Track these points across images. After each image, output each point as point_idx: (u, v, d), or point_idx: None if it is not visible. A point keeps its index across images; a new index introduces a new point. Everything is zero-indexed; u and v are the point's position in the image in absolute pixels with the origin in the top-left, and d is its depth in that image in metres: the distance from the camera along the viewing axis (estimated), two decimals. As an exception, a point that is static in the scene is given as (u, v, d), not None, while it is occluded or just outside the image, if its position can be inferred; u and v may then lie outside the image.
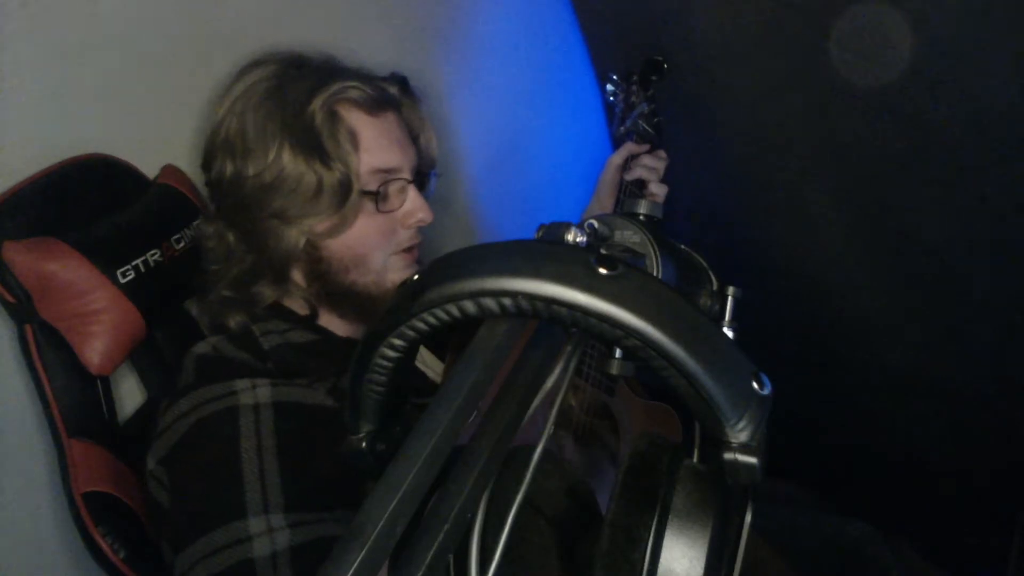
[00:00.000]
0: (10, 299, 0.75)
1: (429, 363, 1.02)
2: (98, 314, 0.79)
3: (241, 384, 0.74)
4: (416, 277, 0.33)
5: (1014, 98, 1.03)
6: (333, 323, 0.90)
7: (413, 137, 0.93)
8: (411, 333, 0.33)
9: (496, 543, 0.34)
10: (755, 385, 0.31)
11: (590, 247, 0.35)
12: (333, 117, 0.82)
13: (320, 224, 0.83)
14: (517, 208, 1.59)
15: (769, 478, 0.35)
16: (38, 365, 0.77)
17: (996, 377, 1.27)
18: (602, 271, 0.29)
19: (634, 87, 1.15)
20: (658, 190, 1.12)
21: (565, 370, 0.38)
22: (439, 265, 0.33)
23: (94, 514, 0.75)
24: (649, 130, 1.13)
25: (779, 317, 1.36)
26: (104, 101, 0.87)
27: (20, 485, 0.78)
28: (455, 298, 0.31)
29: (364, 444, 0.39)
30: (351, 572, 0.27)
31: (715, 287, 0.49)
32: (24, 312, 0.76)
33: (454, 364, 0.84)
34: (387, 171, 0.85)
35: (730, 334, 0.47)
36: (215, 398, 0.73)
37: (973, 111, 1.07)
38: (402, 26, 1.28)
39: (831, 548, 1.07)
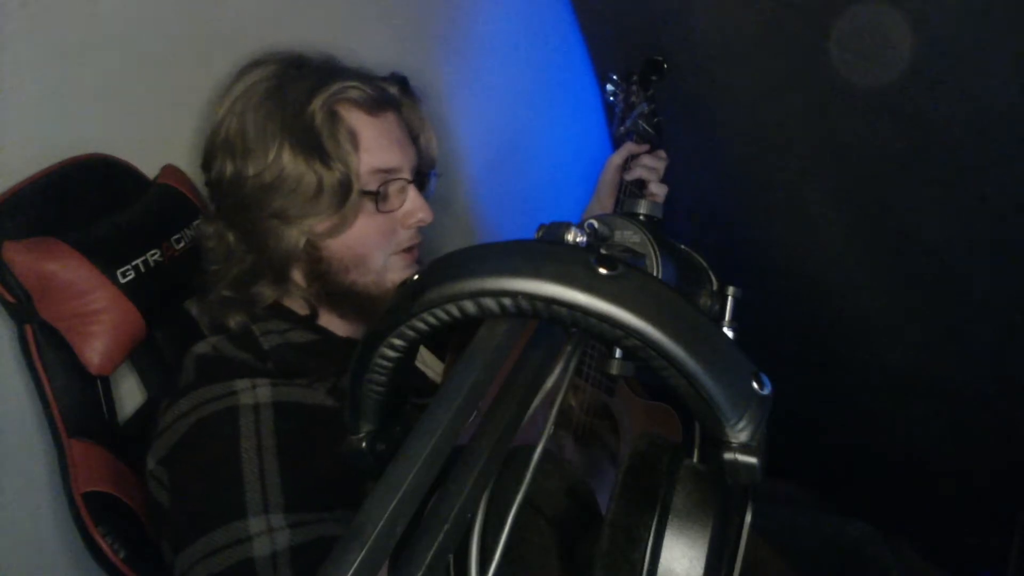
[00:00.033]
0: (10, 299, 0.75)
1: (429, 363, 1.02)
2: (98, 314, 0.79)
3: (241, 384, 0.74)
4: (416, 277, 0.33)
5: (1014, 98, 1.03)
6: (333, 323, 0.90)
7: (413, 137, 0.93)
8: (411, 333, 0.33)
9: (496, 543, 0.34)
10: (755, 385, 0.31)
11: (590, 247, 0.35)
12: (333, 117, 0.82)
13: (320, 224, 0.83)
14: (517, 208, 1.59)
15: (769, 478, 0.35)
16: (38, 365, 0.77)
17: (996, 377, 1.27)
18: (602, 271, 0.29)
19: (634, 87, 1.15)
20: (658, 190, 1.12)
21: (565, 370, 0.38)
22: (439, 265, 0.33)
23: (94, 514, 0.75)
24: (649, 130, 1.13)
25: (779, 317, 1.36)
26: (104, 101, 0.87)
27: (20, 485, 0.78)
28: (455, 298, 0.31)
29: (364, 444, 0.39)
30: (351, 572, 0.27)
31: (715, 287, 0.49)
32: (24, 312, 0.76)
33: (454, 364, 0.84)
34: (387, 171, 0.86)
35: (730, 334, 0.47)
36: (215, 398, 0.73)
37: (973, 111, 1.07)
38: (402, 26, 1.28)
39: (831, 548, 1.07)
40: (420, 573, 0.29)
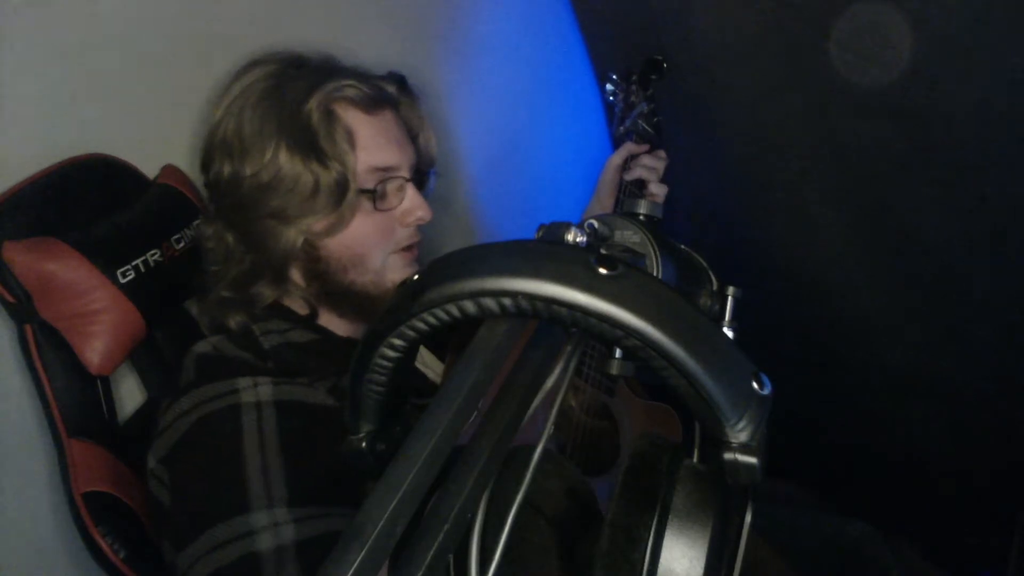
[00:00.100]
0: (10, 299, 0.75)
1: (429, 363, 1.02)
2: (98, 314, 0.79)
3: (243, 382, 0.74)
4: (416, 277, 0.33)
5: (1014, 98, 1.03)
6: (333, 323, 0.90)
7: (412, 136, 0.93)
8: (411, 333, 0.33)
9: (496, 543, 0.34)
10: (755, 385, 0.31)
11: (590, 247, 0.35)
12: (329, 116, 0.82)
13: (318, 223, 0.83)
14: (517, 208, 1.59)
15: (769, 478, 0.35)
16: (38, 365, 0.77)
17: (996, 377, 1.27)
18: (602, 271, 0.29)
19: (634, 87, 1.15)
20: (658, 190, 1.12)
21: (565, 370, 0.38)
22: (439, 265, 0.33)
23: (94, 514, 0.75)
24: (649, 130, 1.13)
25: (779, 317, 1.37)
26: (104, 101, 0.87)
27: (20, 485, 0.78)
28: (455, 298, 0.31)
29: (364, 444, 0.39)
30: (351, 572, 0.27)
31: (715, 287, 0.49)
32: (24, 312, 0.76)
33: (454, 364, 0.84)
34: (385, 169, 0.85)
35: (730, 334, 0.47)
36: (217, 396, 0.73)
37: (973, 111, 1.07)
38: (402, 26, 1.28)
39: (831, 548, 1.07)
40: (420, 573, 0.29)
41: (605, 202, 1.14)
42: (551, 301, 0.29)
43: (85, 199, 0.82)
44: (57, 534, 0.79)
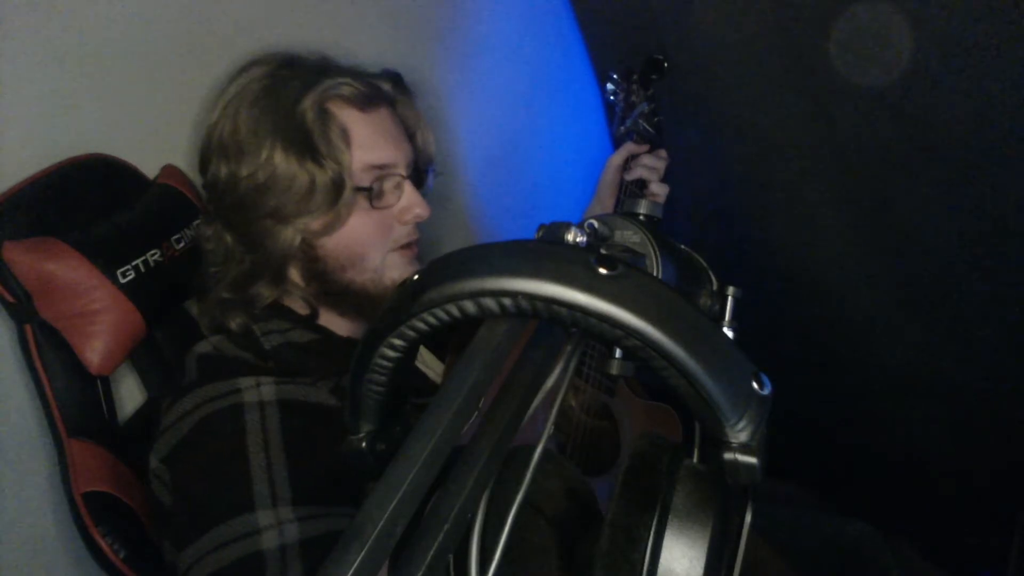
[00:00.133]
0: (10, 299, 0.75)
1: (429, 363, 1.02)
2: (98, 314, 0.79)
3: (245, 382, 0.74)
4: (416, 277, 0.33)
5: (1014, 98, 1.02)
6: (333, 322, 0.90)
7: (409, 133, 0.93)
8: (411, 333, 0.33)
9: (496, 543, 0.34)
10: (755, 385, 0.31)
11: (590, 247, 0.35)
12: (324, 115, 0.82)
13: (315, 222, 0.83)
14: (517, 208, 1.60)
15: (769, 478, 0.35)
16: (38, 365, 0.77)
17: (996, 377, 1.27)
18: (602, 271, 0.29)
19: (634, 86, 1.15)
20: (659, 190, 1.12)
21: (565, 370, 0.38)
22: (439, 265, 0.33)
23: (94, 514, 0.75)
24: (650, 130, 1.13)
25: (779, 317, 1.37)
26: (104, 101, 0.87)
27: (20, 485, 0.78)
28: (455, 298, 0.31)
29: (364, 444, 0.39)
30: (351, 572, 0.27)
31: (715, 287, 0.49)
32: (24, 312, 0.76)
33: (454, 364, 0.84)
34: (381, 167, 0.85)
35: (730, 334, 0.47)
36: (219, 396, 0.73)
37: (974, 111, 1.07)
38: (402, 26, 1.28)
39: (831, 548, 1.07)
40: (420, 573, 0.29)
41: (606, 202, 1.14)
42: (551, 301, 0.29)
43: (85, 199, 0.82)
44: (57, 534, 0.79)
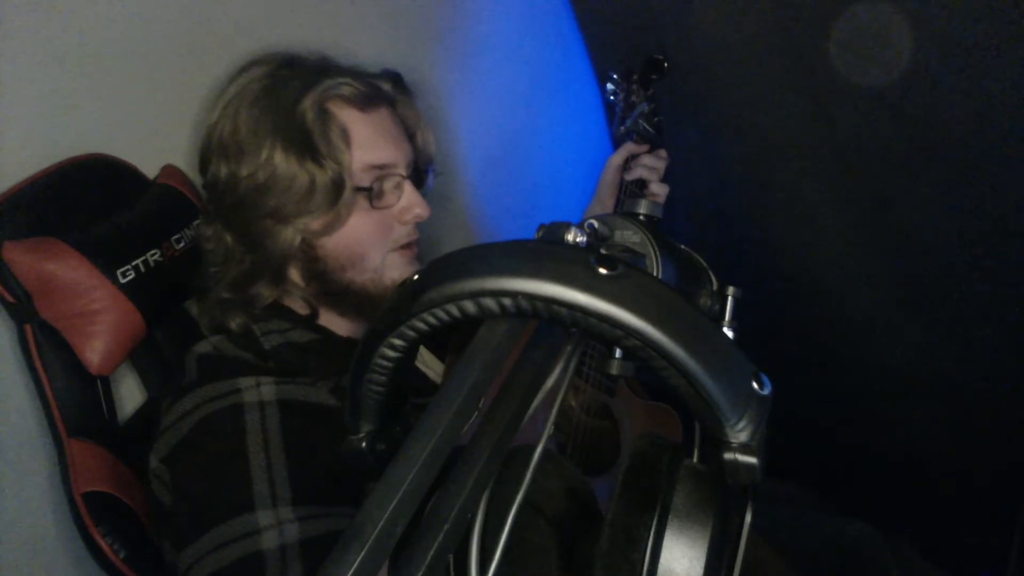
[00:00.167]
0: (10, 299, 0.75)
1: (429, 363, 1.02)
2: (98, 314, 0.79)
3: (245, 382, 0.74)
4: (416, 277, 0.33)
5: (1014, 98, 1.02)
6: (334, 322, 0.90)
7: (409, 133, 0.93)
8: (411, 333, 0.33)
9: (496, 543, 0.34)
10: (755, 385, 0.31)
11: (590, 247, 0.35)
12: (324, 115, 0.82)
13: (315, 222, 0.83)
14: (517, 208, 1.60)
15: (769, 478, 0.35)
16: (38, 365, 0.77)
17: (996, 377, 1.27)
18: (602, 271, 0.29)
19: (635, 86, 1.15)
20: (659, 190, 1.12)
21: (565, 370, 0.38)
22: (439, 265, 0.33)
23: (94, 514, 0.75)
24: (650, 130, 1.13)
25: (779, 317, 1.36)
26: (104, 101, 0.87)
27: (20, 485, 0.78)
28: (455, 298, 0.31)
29: (364, 444, 0.39)
30: (351, 572, 0.27)
31: (715, 287, 0.49)
32: (24, 312, 0.76)
33: (454, 364, 0.84)
34: (381, 167, 0.86)
35: (730, 334, 0.47)
36: (219, 396, 0.73)
37: (974, 111, 1.07)
38: (402, 26, 1.28)
39: (831, 548, 1.07)
40: (420, 573, 0.29)
41: (606, 202, 1.14)
42: (551, 301, 0.29)
43: (85, 199, 0.82)
44: (57, 534, 0.79)
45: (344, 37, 1.11)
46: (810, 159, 1.31)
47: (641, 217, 0.49)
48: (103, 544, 0.75)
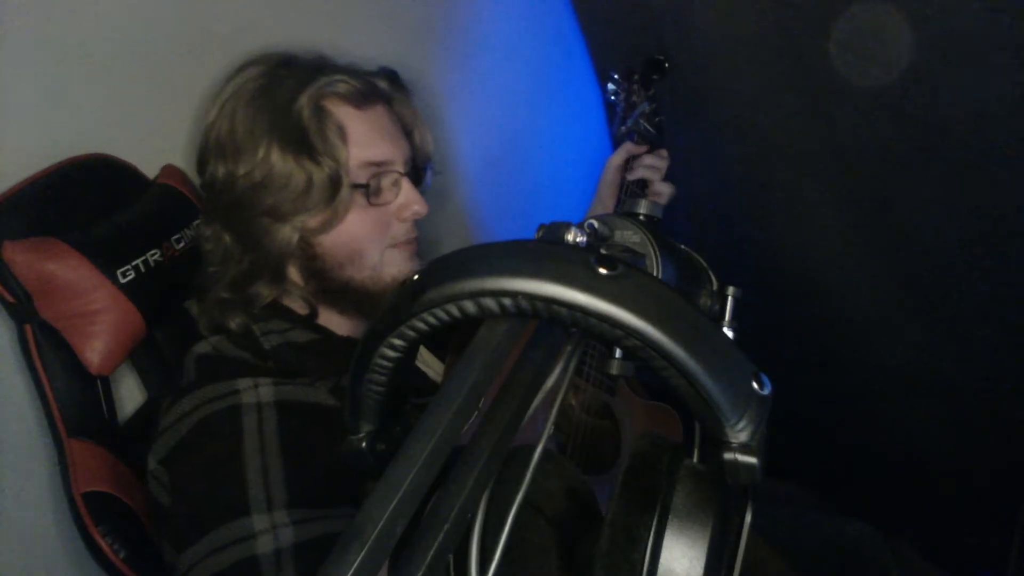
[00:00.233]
0: (10, 299, 0.75)
1: (429, 363, 1.02)
2: (98, 314, 0.79)
3: (244, 383, 0.74)
4: (416, 277, 0.33)
5: (1014, 98, 1.03)
6: (333, 321, 0.90)
7: (407, 131, 0.93)
8: (411, 333, 0.33)
9: (496, 543, 0.34)
10: (755, 385, 0.31)
11: (590, 247, 0.35)
12: (320, 112, 0.82)
13: (312, 220, 0.83)
14: (517, 208, 1.60)
15: (769, 478, 0.35)
16: (38, 365, 0.77)
17: (996, 377, 1.27)
18: (602, 271, 0.29)
19: (635, 86, 1.15)
20: (664, 189, 1.12)
21: (565, 370, 0.38)
22: (439, 265, 0.33)
23: (94, 514, 0.75)
24: (651, 130, 1.13)
25: (779, 317, 1.36)
26: (104, 101, 0.87)
27: (20, 485, 0.78)
28: (455, 298, 0.31)
29: (364, 444, 0.39)
30: (351, 572, 0.27)
31: (715, 287, 0.49)
32: (24, 312, 0.76)
33: (454, 364, 0.84)
34: (378, 164, 0.86)
35: (730, 334, 0.46)
36: (218, 397, 0.73)
37: (973, 111, 1.07)
38: (402, 26, 1.28)
39: (831, 548, 1.07)
40: (420, 573, 0.29)
41: (607, 203, 1.14)
42: (551, 301, 0.29)
43: (85, 199, 0.82)
44: (57, 534, 0.79)
45: (344, 37, 1.11)
46: (810, 159, 1.31)
47: (641, 217, 0.49)
48: (103, 544, 0.75)
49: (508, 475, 0.37)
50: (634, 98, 1.15)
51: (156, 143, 0.94)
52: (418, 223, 0.91)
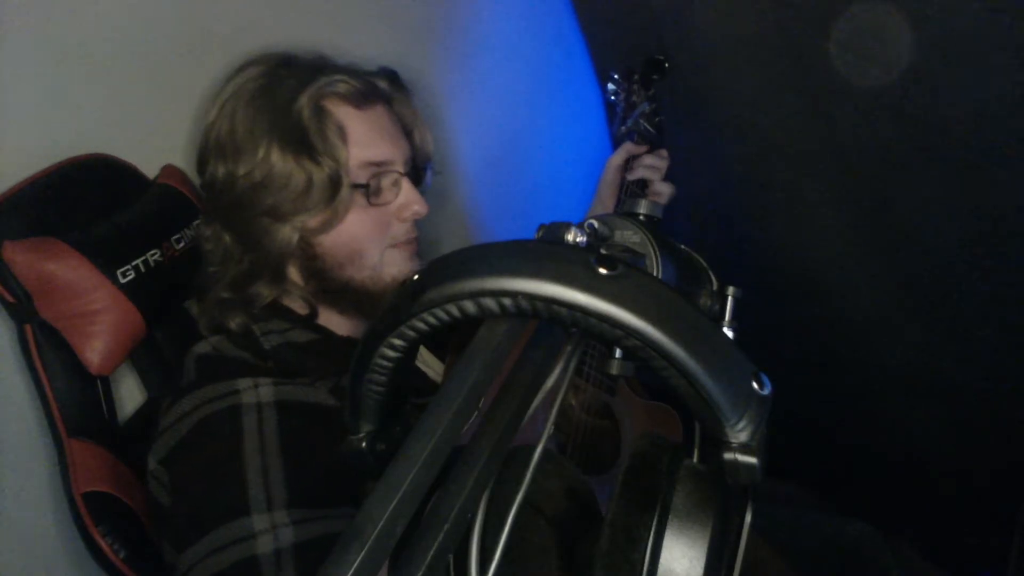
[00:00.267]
0: (10, 299, 0.75)
1: (429, 363, 1.02)
2: (98, 314, 0.79)
3: (244, 383, 0.74)
4: (416, 277, 0.33)
5: (1014, 98, 1.03)
6: (333, 321, 0.90)
7: (406, 131, 0.93)
8: (411, 333, 0.33)
9: (496, 543, 0.34)
10: (755, 385, 0.31)
11: (590, 247, 0.35)
12: (320, 112, 0.82)
13: (312, 220, 0.83)
14: (517, 208, 1.60)
15: (769, 478, 0.35)
16: (38, 365, 0.77)
17: (996, 377, 1.27)
18: (602, 271, 0.29)
19: (635, 86, 1.15)
20: (664, 189, 1.12)
21: (565, 370, 0.38)
22: (439, 265, 0.33)
23: (94, 514, 0.75)
24: (651, 130, 1.13)
25: (779, 317, 1.36)
26: (104, 101, 0.87)
27: (20, 485, 0.78)
28: (455, 298, 0.31)
29: (364, 444, 0.39)
30: (351, 572, 0.27)
31: (715, 287, 0.49)
32: (24, 312, 0.76)
33: (454, 364, 0.84)
34: (378, 164, 0.86)
35: (730, 334, 0.46)
36: (218, 397, 0.73)
37: (973, 111, 1.07)
38: (402, 26, 1.28)
39: (831, 548, 1.07)
40: (420, 573, 0.29)
41: (607, 203, 1.14)
42: (551, 301, 0.29)
43: (85, 199, 0.82)
44: (57, 534, 0.79)
45: (344, 37, 1.11)
46: (810, 159, 1.31)
47: (641, 217, 0.49)
48: (103, 544, 0.75)
49: (508, 475, 0.37)
50: (634, 98, 1.15)
51: (156, 143, 0.94)
52: (418, 223, 0.91)
